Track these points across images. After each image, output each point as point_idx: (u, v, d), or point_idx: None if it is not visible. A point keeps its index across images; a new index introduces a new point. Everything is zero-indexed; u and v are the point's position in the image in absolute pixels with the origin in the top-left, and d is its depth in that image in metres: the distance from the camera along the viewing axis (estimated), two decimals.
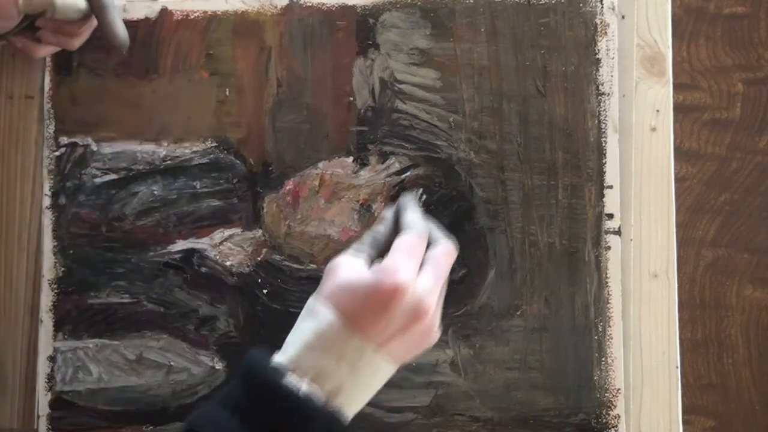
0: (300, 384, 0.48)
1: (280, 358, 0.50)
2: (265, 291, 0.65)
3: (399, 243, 0.52)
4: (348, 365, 0.49)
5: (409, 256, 0.52)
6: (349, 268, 0.51)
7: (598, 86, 0.66)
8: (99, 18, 0.60)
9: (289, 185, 0.66)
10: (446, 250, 0.54)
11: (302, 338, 0.50)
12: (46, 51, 0.65)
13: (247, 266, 0.66)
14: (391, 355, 0.51)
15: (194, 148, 0.66)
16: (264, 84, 0.67)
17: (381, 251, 0.53)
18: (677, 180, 0.69)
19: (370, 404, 0.65)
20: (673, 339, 0.66)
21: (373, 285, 0.50)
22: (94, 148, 0.66)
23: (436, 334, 0.53)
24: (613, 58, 0.66)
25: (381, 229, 0.55)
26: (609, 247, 0.66)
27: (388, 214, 0.56)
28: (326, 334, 0.50)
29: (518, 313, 0.66)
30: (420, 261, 0.53)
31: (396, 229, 0.55)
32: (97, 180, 0.66)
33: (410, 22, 0.67)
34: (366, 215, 0.66)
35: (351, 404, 0.50)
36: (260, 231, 0.66)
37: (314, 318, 0.51)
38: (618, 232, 0.66)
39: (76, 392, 0.65)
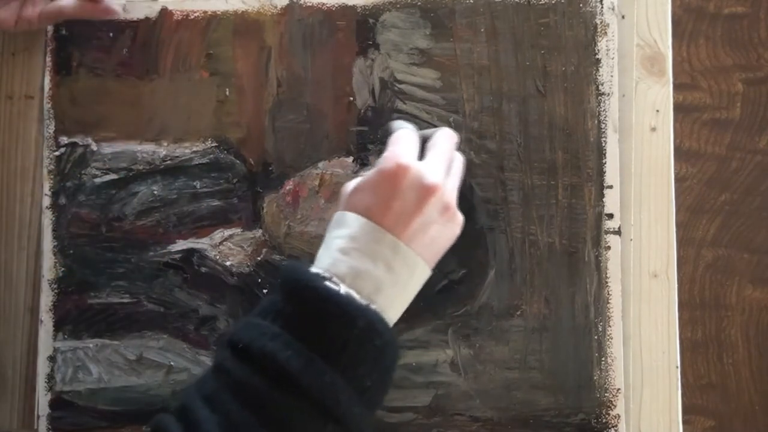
0: (340, 288, 0.49)
1: (315, 268, 0.51)
2: (265, 291, 0.65)
3: (393, 138, 0.57)
4: (384, 263, 0.50)
5: (404, 144, 0.55)
6: (357, 179, 0.55)
7: (598, 86, 0.66)
8: None
9: (289, 185, 0.66)
10: (443, 134, 0.58)
11: (334, 245, 0.51)
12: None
13: (247, 266, 0.66)
14: (420, 248, 0.52)
15: (194, 148, 0.66)
16: (264, 84, 0.67)
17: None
18: (677, 180, 0.69)
19: None
20: (673, 339, 0.66)
21: (377, 173, 0.53)
22: (94, 148, 0.66)
23: (456, 218, 0.55)
24: (613, 58, 0.66)
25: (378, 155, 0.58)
26: (609, 247, 0.66)
27: (379, 135, 0.62)
28: (356, 236, 0.51)
29: (518, 313, 0.66)
30: (416, 150, 0.56)
31: None
32: (97, 180, 0.66)
33: (410, 22, 0.67)
34: None
35: (392, 304, 0.51)
36: (260, 231, 0.66)
37: (340, 225, 0.52)
38: (618, 232, 0.66)
39: (76, 392, 0.65)
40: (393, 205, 0.52)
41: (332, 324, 0.48)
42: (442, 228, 0.54)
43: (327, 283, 0.49)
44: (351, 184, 0.55)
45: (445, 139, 0.58)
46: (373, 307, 0.49)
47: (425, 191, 0.52)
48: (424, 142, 0.59)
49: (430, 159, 0.55)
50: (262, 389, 0.47)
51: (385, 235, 0.51)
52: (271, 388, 0.47)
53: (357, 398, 0.48)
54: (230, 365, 0.48)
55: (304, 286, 0.49)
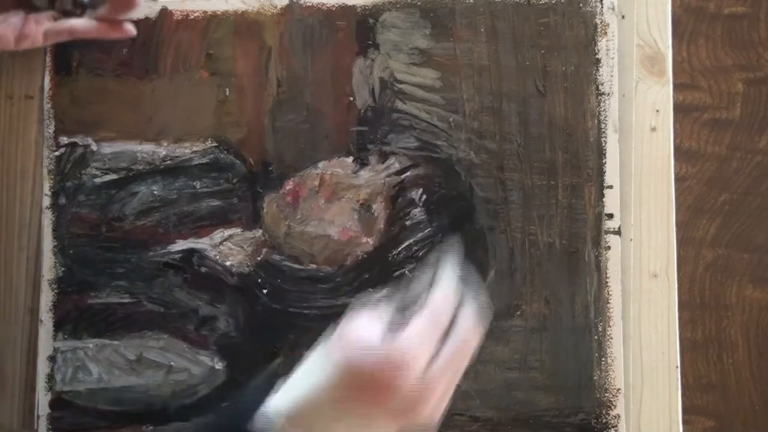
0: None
1: (274, 405, 0.48)
2: (265, 291, 0.65)
3: (416, 321, 0.49)
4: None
5: (424, 337, 0.48)
6: (364, 336, 0.49)
7: (598, 86, 0.66)
8: None
9: (289, 185, 0.66)
10: (472, 323, 0.50)
11: (301, 392, 0.49)
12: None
13: (247, 266, 0.66)
14: (386, 428, 0.49)
15: (194, 148, 0.66)
16: (264, 84, 0.67)
17: (406, 309, 0.50)
18: (677, 180, 0.69)
19: None
20: (673, 339, 0.66)
21: (380, 362, 0.47)
22: (94, 148, 0.66)
23: (434, 415, 0.50)
24: (613, 58, 0.66)
25: (410, 296, 0.51)
26: (609, 247, 0.66)
27: (422, 274, 0.52)
28: (325, 396, 0.48)
29: (518, 313, 0.66)
30: (439, 336, 0.49)
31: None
32: (97, 180, 0.66)
33: (410, 22, 0.67)
34: (366, 215, 0.66)
35: None
36: (260, 231, 0.66)
37: (319, 373, 0.49)
38: (618, 232, 0.66)
39: (76, 392, 0.65)
40: (378, 399, 0.48)
41: None
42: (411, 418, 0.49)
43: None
44: (359, 329, 0.49)
45: (473, 332, 0.50)
46: None
47: (415, 404, 0.48)
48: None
49: (439, 364, 0.48)
50: None
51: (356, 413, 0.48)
52: None
53: None
54: None
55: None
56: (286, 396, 0.49)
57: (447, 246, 0.54)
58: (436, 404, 0.49)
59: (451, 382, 0.49)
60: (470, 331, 0.50)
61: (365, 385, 0.47)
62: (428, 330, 0.49)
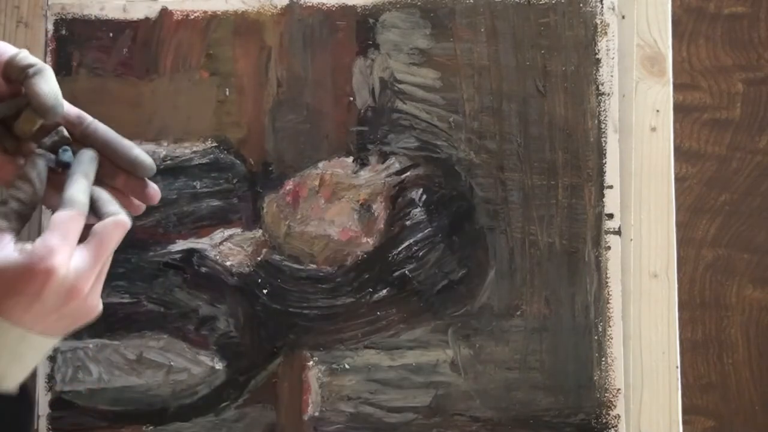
0: None
1: None
2: (265, 291, 0.65)
3: (55, 222, 0.48)
4: (9, 354, 0.48)
5: (64, 236, 0.48)
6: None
7: (598, 86, 0.66)
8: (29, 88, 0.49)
9: (289, 185, 0.66)
10: (115, 224, 0.51)
11: None
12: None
13: (247, 266, 0.66)
14: (48, 333, 0.49)
15: (194, 148, 0.66)
16: (264, 84, 0.67)
17: (27, 219, 0.50)
18: (677, 180, 0.69)
19: (370, 404, 0.65)
20: (673, 339, 0.66)
21: (22, 270, 0.47)
22: None
23: (94, 309, 0.51)
24: (613, 58, 0.66)
25: (24, 194, 0.50)
26: (609, 247, 0.66)
27: (32, 173, 0.50)
28: None
29: (518, 313, 0.66)
30: (77, 238, 0.49)
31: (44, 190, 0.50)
32: None
33: (410, 22, 0.67)
34: (366, 215, 0.66)
35: (16, 380, 0.49)
36: (260, 231, 0.66)
37: None
38: (618, 232, 0.66)
39: (76, 392, 0.65)
40: (32, 309, 0.47)
41: None
42: (77, 317, 0.50)
43: None
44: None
45: (113, 233, 0.51)
46: None
47: (69, 298, 0.48)
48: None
49: (87, 255, 0.49)
50: None
51: (14, 332, 0.47)
52: None
53: None
54: None
55: None
56: None
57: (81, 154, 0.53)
58: (93, 293, 0.50)
59: (101, 273, 0.50)
60: (114, 219, 0.50)
61: (17, 302, 0.47)
62: (67, 227, 0.48)
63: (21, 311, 0.47)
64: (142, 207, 0.56)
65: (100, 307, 0.51)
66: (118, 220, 0.51)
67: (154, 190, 0.55)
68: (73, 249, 0.49)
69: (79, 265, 0.49)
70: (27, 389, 0.50)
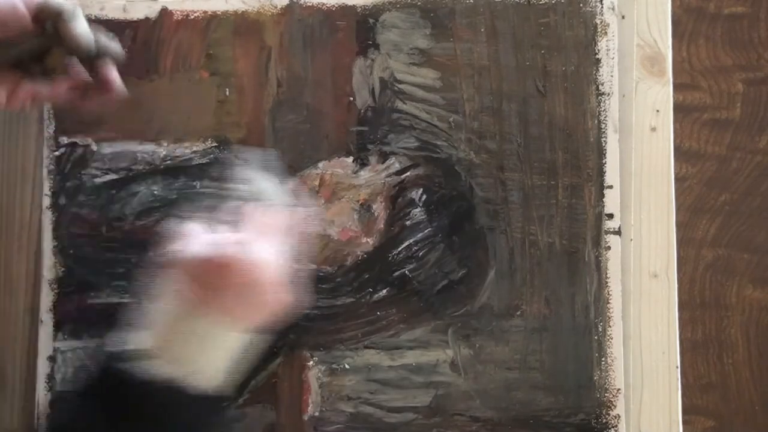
0: (158, 368, 0.48)
1: (133, 343, 0.49)
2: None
3: (243, 214, 0.52)
4: (199, 344, 0.49)
5: (249, 226, 0.51)
6: (194, 241, 0.50)
7: (598, 86, 0.66)
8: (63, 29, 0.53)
9: (289, 185, 0.66)
10: (289, 216, 0.54)
11: (152, 320, 0.50)
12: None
13: None
14: (242, 325, 0.50)
15: (194, 148, 0.66)
16: (264, 84, 0.67)
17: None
18: (677, 180, 0.69)
19: (370, 404, 0.65)
20: (673, 339, 0.66)
21: (212, 261, 0.49)
22: (94, 148, 0.66)
23: (284, 301, 0.52)
24: (613, 58, 0.66)
25: (232, 203, 0.54)
26: (609, 247, 0.66)
27: (242, 186, 0.55)
28: (174, 315, 0.49)
29: (518, 313, 0.66)
30: (262, 229, 0.52)
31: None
32: (97, 180, 0.66)
33: (410, 22, 0.67)
34: (366, 215, 0.66)
35: (210, 378, 0.50)
36: None
37: (161, 299, 0.50)
38: (618, 232, 0.66)
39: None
40: (218, 297, 0.49)
41: (149, 408, 0.48)
42: (270, 306, 0.52)
43: (144, 364, 0.48)
44: (185, 246, 0.50)
45: (281, 218, 0.54)
46: (189, 389, 0.48)
47: (256, 286, 0.50)
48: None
49: (267, 247, 0.51)
50: None
51: (202, 321, 0.49)
52: None
53: None
54: None
55: (120, 368, 0.48)
56: (141, 334, 0.50)
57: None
58: (282, 288, 0.51)
59: (287, 266, 0.52)
60: (275, 218, 0.53)
61: (204, 283, 0.49)
62: (244, 229, 0.52)
63: (210, 300, 0.49)
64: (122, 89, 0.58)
65: (291, 298, 0.53)
66: (296, 210, 0.54)
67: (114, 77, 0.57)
68: (258, 239, 0.51)
69: (265, 254, 0.51)
70: (211, 396, 0.50)
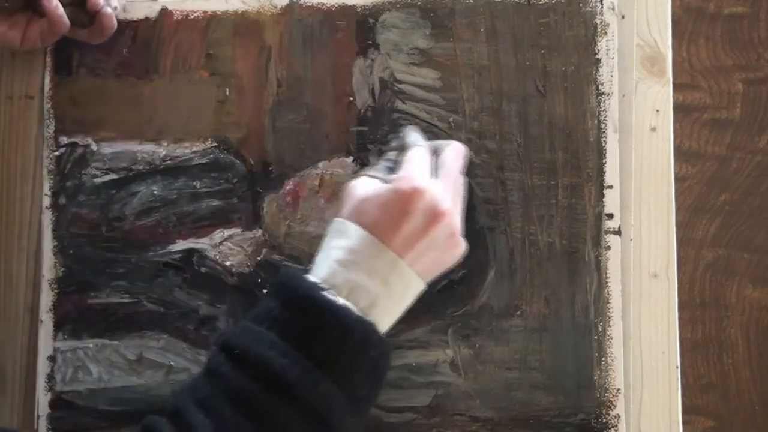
0: (337, 298, 0.49)
1: (312, 277, 0.51)
2: (265, 291, 0.65)
3: (409, 156, 0.56)
4: (381, 279, 0.51)
5: (419, 164, 0.55)
6: (367, 185, 0.54)
7: (598, 86, 0.66)
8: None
9: (289, 185, 0.66)
10: (454, 152, 0.58)
11: (333, 256, 0.51)
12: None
13: (247, 266, 0.66)
14: (420, 268, 0.53)
15: (194, 148, 0.66)
16: (264, 84, 0.67)
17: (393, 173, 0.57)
18: (677, 180, 0.69)
19: None
20: (673, 339, 0.66)
21: (392, 192, 0.52)
22: (94, 148, 0.66)
23: (459, 244, 0.56)
24: (613, 58, 0.66)
25: (391, 155, 0.59)
26: (609, 247, 0.66)
27: (395, 144, 0.61)
28: (357, 250, 0.51)
29: (518, 313, 0.66)
30: (428, 167, 0.56)
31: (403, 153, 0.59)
32: (97, 180, 0.66)
33: (410, 22, 0.67)
34: None
35: (385, 318, 0.52)
36: (260, 231, 0.66)
37: (342, 235, 0.52)
38: (618, 232, 0.66)
39: (76, 392, 0.65)
40: (402, 227, 0.52)
41: (329, 334, 0.48)
42: (445, 253, 0.55)
43: (325, 293, 0.49)
44: (358, 191, 0.54)
45: (455, 158, 0.58)
46: (368, 319, 0.50)
47: (436, 217, 0.53)
48: (433, 152, 0.59)
49: (442, 182, 0.55)
50: (257, 396, 0.47)
51: (386, 252, 0.51)
52: (267, 395, 0.47)
53: (350, 407, 0.49)
54: (225, 370, 0.49)
55: (303, 296, 0.49)
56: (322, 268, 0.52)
57: (406, 128, 0.63)
58: (459, 233, 0.56)
59: (455, 199, 0.56)
60: (453, 146, 0.59)
61: (387, 221, 0.52)
62: (420, 159, 0.56)
63: (393, 232, 0.51)
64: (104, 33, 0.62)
65: (465, 244, 0.56)
66: (454, 145, 0.59)
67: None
68: (428, 173, 0.55)
69: (439, 186, 0.54)
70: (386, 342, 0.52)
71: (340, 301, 0.49)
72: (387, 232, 0.51)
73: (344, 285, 0.50)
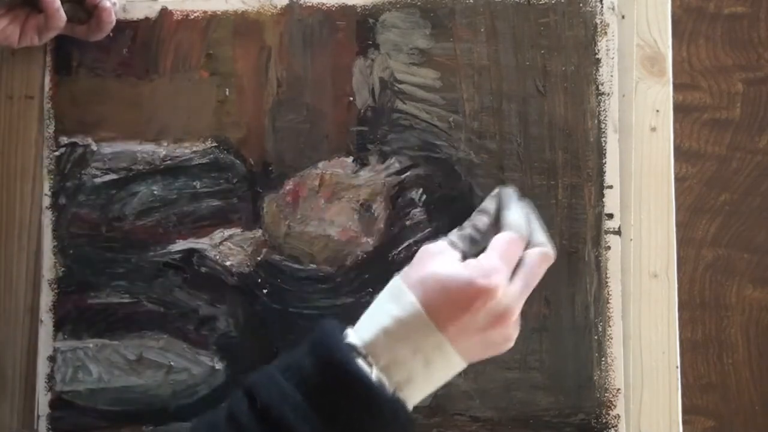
0: (372, 370, 0.47)
1: (354, 338, 0.49)
2: (265, 291, 0.65)
3: (498, 243, 0.51)
4: (423, 358, 0.48)
5: (505, 258, 0.50)
6: (444, 259, 0.50)
7: (598, 86, 0.66)
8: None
9: (289, 185, 0.66)
10: (543, 257, 0.52)
11: (381, 322, 0.49)
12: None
13: (247, 266, 0.66)
14: (466, 354, 0.50)
15: (194, 148, 0.66)
16: (264, 84, 0.67)
17: (477, 246, 0.52)
18: (677, 180, 0.69)
19: None
20: (673, 339, 0.66)
21: (465, 283, 0.48)
22: (94, 148, 0.66)
23: (513, 340, 0.52)
24: (613, 58, 0.66)
25: (481, 223, 0.54)
26: (609, 247, 0.66)
27: (490, 206, 0.55)
28: (408, 323, 0.48)
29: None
30: (515, 262, 0.51)
31: (496, 223, 0.54)
32: (97, 180, 0.66)
33: (410, 22, 0.67)
34: (366, 215, 0.66)
35: (417, 395, 0.50)
36: (260, 231, 0.66)
37: (397, 303, 0.49)
38: (618, 232, 0.66)
39: (76, 392, 0.65)
40: (461, 320, 0.48)
41: (357, 408, 0.47)
42: (497, 345, 0.52)
43: (360, 361, 0.47)
44: (434, 264, 0.50)
45: (540, 263, 0.52)
46: (398, 400, 0.48)
47: (499, 321, 0.49)
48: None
49: (519, 285, 0.51)
50: None
51: (435, 335, 0.48)
52: None
53: None
54: (246, 422, 0.47)
55: (337, 360, 0.47)
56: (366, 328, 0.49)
57: (505, 191, 0.56)
58: (516, 326, 0.52)
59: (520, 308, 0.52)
60: (545, 250, 0.52)
61: (450, 310, 0.48)
62: (508, 251, 0.51)
63: (451, 320, 0.48)
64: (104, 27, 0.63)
65: (514, 340, 0.52)
66: (545, 251, 0.52)
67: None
68: (510, 272, 0.50)
69: (514, 290, 0.50)
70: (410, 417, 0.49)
71: (375, 374, 0.47)
72: (445, 320, 0.48)
73: (384, 355, 0.48)
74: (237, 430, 0.47)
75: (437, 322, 0.48)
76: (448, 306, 0.48)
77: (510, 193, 0.56)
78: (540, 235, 0.53)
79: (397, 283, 0.50)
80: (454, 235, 0.53)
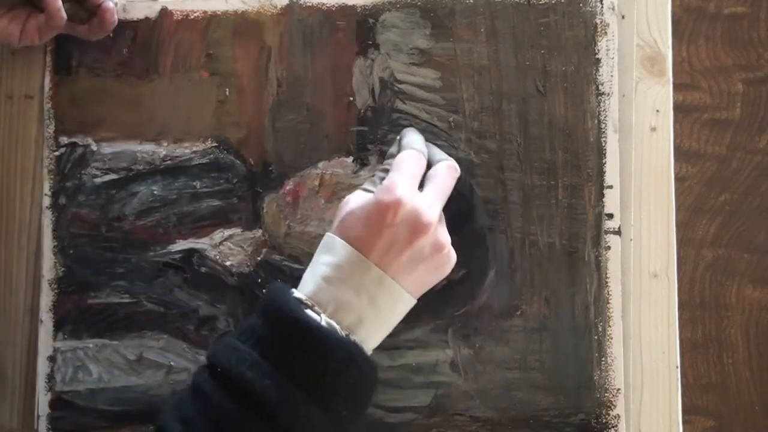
0: (321, 318, 0.49)
1: (299, 293, 0.51)
2: (264, 291, 0.65)
3: (396, 162, 0.55)
4: (367, 296, 0.50)
5: (406, 173, 0.54)
6: (357, 198, 0.54)
7: (598, 86, 0.66)
8: None
9: (289, 185, 0.66)
10: (449, 168, 0.57)
11: (320, 272, 0.51)
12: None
13: (247, 266, 0.66)
14: (407, 282, 0.52)
15: (194, 148, 0.66)
16: (264, 84, 0.67)
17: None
18: (677, 180, 0.69)
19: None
20: (673, 339, 0.66)
21: (372, 204, 0.52)
22: (94, 148, 0.66)
23: (448, 256, 0.55)
24: (613, 58, 0.66)
25: (388, 165, 0.57)
26: (609, 247, 0.66)
27: (395, 148, 0.59)
28: (342, 266, 0.51)
29: (518, 313, 0.66)
30: (419, 178, 0.55)
31: None
32: (97, 180, 0.66)
33: (410, 22, 0.67)
34: None
35: (373, 335, 0.51)
36: (260, 231, 0.66)
37: (329, 250, 0.52)
38: (618, 232, 0.66)
39: (76, 392, 0.65)
40: (382, 239, 0.51)
41: (311, 355, 0.48)
42: (432, 267, 0.54)
43: (308, 311, 0.49)
44: (348, 204, 0.54)
45: (447, 174, 0.57)
46: (353, 338, 0.50)
47: (418, 228, 0.52)
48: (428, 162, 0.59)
49: (428, 193, 0.54)
50: (238, 417, 0.47)
51: (371, 268, 0.50)
52: (248, 417, 0.47)
53: (332, 428, 0.49)
54: (208, 389, 0.49)
55: (286, 315, 0.49)
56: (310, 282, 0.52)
57: (405, 129, 0.62)
58: (448, 244, 0.55)
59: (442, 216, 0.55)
60: (447, 162, 0.58)
61: (368, 233, 0.51)
62: (407, 167, 0.55)
63: (375, 244, 0.51)
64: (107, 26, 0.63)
65: (454, 255, 0.55)
66: (449, 163, 0.58)
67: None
68: (416, 184, 0.54)
69: (423, 197, 0.53)
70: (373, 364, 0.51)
71: (324, 320, 0.49)
72: (368, 245, 0.51)
73: (329, 302, 0.50)
74: (202, 399, 0.48)
75: (365, 251, 0.51)
76: (367, 231, 0.51)
77: (409, 128, 0.62)
78: (440, 154, 0.59)
79: (326, 236, 0.54)
80: (366, 183, 0.57)
